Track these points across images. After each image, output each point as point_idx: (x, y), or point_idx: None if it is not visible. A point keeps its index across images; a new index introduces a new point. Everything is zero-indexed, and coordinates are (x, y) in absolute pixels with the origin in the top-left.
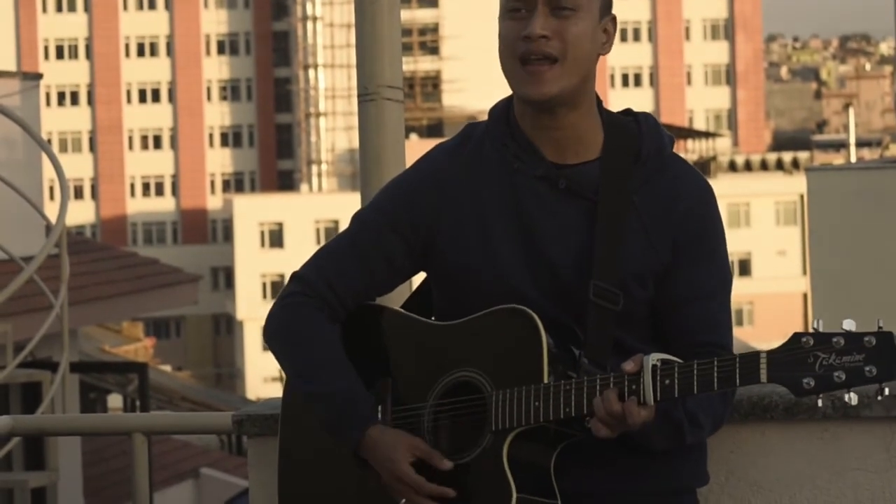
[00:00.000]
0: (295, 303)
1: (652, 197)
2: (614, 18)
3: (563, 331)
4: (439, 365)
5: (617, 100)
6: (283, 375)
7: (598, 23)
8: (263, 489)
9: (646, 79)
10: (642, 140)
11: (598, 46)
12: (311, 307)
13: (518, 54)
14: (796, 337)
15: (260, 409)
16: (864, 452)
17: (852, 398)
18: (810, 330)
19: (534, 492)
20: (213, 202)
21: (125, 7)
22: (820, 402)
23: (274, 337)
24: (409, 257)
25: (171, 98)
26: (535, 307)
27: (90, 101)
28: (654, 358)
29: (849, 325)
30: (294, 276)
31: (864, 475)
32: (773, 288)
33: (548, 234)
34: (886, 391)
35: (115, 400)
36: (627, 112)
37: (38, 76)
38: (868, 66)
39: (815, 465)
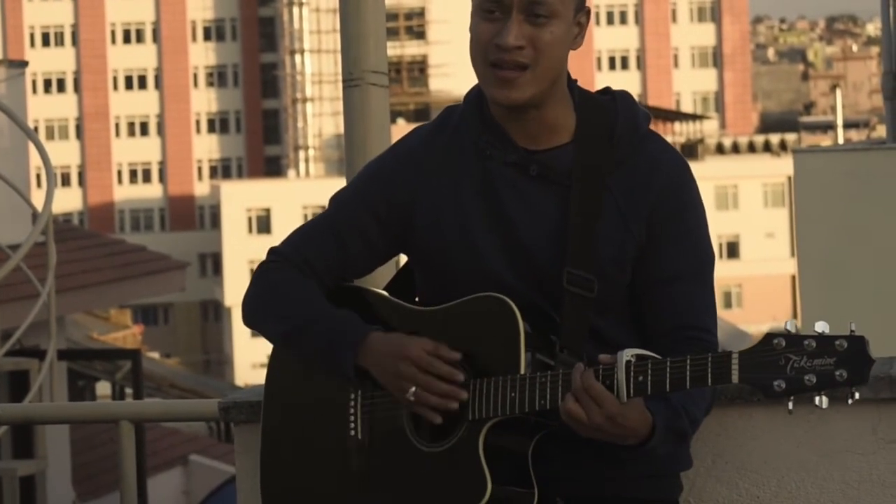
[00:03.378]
0: (271, 269)
1: (627, 178)
2: (588, 11)
3: (540, 317)
4: None
5: (604, 82)
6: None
7: (573, 21)
8: (250, 476)
9: (633, 61)
10: (616, 120)
11: (570, 43)
12: (287, 269)
13: (490, 60)
14: (768, 338)
15: (246, 395)
16: (851, 434)
17: (823, 401)
18: (783, 330)
19: (510, 482)
20: (201, 188)
21: None
22: (790, 405)
23: (252, 299)
24: (385, 239)
25: (158, 84)
26: (512, 293)
27: (76, 88)
28: (629, 353)
29: (821, 326)
30: (270, 250)
31: (851, 457)
32: (761, 270)
33: (522, 222)
34: (857, 395)
35: (103, 387)
36: (605, 91)
37: (24, 63)
38: (855, 48)
39: (803, 448)
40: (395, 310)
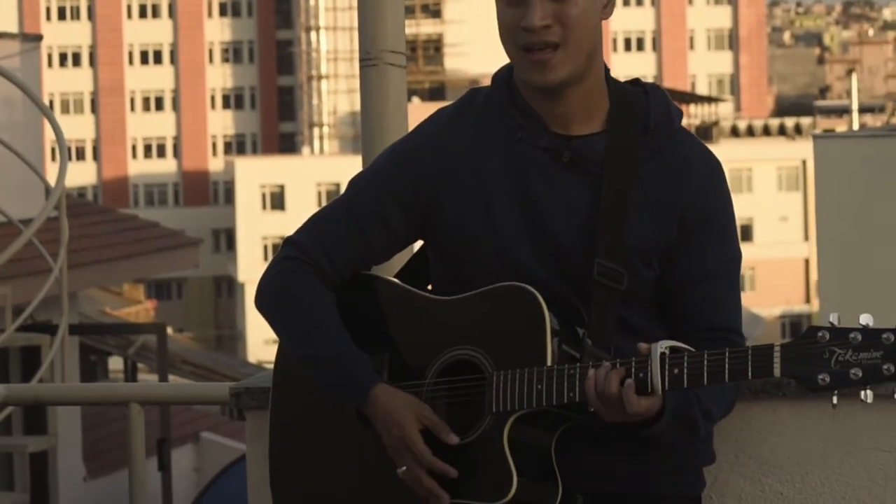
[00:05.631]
0: (289, 268)
1: (659, 172)
2: None
3: (566, 309)
4: (438, 341)
5: (619, 64)
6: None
7: None
8: (261, 464)
9: (648, 43)
10: (650, 113)
11: (600, 13)
12: (306, 272)
13: (520, 44)
14: (812, 331)
15: (258, 381)
16: (877, 431)
17: (868, 396)
18: (827, 323)
19: (534, 475)
20: (215, 164)
21: None
22: (835, 399)
23: (268, 302)
24: (407, 225)
25: (174, 60)
26: (537, 283)
27: (92, 63)
28: (663, 345)
29: (866, 319)
30: (288, 240)
31: (876, 454)
32: (774, 253)
33: (551, 209)
34: None
35: (116, 362)
36: (635, 82)
37: (39, 37)
38: (871, 32)
39: (828, 444)
40: (413, 300)
